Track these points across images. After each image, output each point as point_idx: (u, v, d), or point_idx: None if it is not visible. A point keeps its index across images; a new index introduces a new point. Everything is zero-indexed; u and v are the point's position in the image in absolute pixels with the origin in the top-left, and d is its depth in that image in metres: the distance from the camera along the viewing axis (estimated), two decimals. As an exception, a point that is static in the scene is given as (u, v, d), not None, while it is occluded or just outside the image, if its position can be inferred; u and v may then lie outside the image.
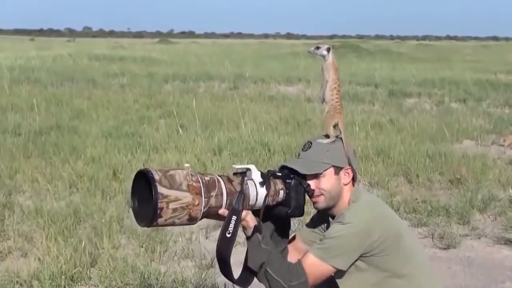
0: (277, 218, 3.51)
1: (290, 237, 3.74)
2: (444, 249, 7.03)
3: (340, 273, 3.40)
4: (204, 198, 3.10)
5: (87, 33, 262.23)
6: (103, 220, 7.24)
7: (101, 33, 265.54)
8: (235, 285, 3.43)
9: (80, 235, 6.81)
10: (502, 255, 6.93)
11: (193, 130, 13.15)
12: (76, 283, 5.75)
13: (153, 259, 6.43)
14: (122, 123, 14.07)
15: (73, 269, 5.85)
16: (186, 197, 3.05)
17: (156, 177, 3.02)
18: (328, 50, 3.53)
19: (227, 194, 3.20)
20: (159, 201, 2.98)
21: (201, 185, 3.11)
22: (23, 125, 13.25)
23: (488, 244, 7.22)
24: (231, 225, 3.20)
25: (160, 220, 3.02)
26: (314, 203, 3.53)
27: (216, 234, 6.60)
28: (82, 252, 6.20)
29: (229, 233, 3.20)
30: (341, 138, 3.48)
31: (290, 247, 3.69)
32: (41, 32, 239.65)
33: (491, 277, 6.32)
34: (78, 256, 6.10)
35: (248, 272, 3.38)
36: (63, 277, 5.68)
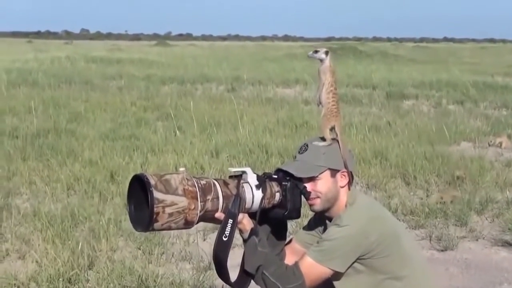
0: (273, 221, 3.50)
1: (287, 239, 3.75)
2: (442, 251, 7.02)
3: (338, 276, 3.40)
4: (200, 202, 3.10)
5: (85, 35, 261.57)
6: (100, 223, 7.22)
7: (98, 36, 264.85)
8: (232, 288, 3.42)
9: (78, 238, 6.80)
10: (500, 257, 6.93)
11: (191, 133, 13.14)
12: (74, 285, 5.74)
13: (151, 261, 6.42)
14: (119, 126, 14.07)
15: (71, 271, 5.85)
16: (182, 202, 3.04)
17: (152, 181, 3.01)
18: (326, 53, 3.54)
19: (223, 198, 3.20)
20: (155, 206, 2.98)
21: (197, 189, 3.10)
22: (21, 128, 13.23)
23: (486, 246, 7.22)
24: (228, 229, 3.20)
25: (156, 225, 3.02)
26: (310, 205, 3.52)
27: (214, 236, 6.60)
28: (79, 255, 6.19)
29: (225, 237, 3.20)
30: (337, 141, 3.48)
31: (287, 249, 3.69)
32: (38, 35, 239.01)
33: (488, 279, 6.32)
34: (75, 259, 6.09)
35: (245, 275, 3.37)
36: (60, 279, 5.68)
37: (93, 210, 7.77)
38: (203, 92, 22.62)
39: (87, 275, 5.95)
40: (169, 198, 3.01)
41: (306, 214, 6.00)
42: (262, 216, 3.39)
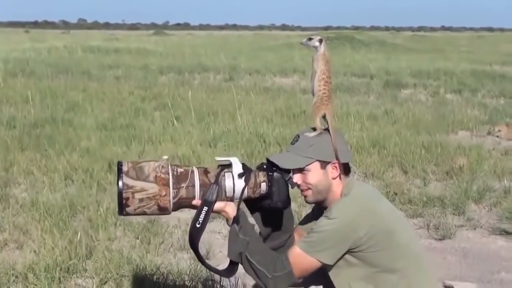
0: (263, 210, 3.54)
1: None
2: (440, 239, 7.03)
3: (329, 267, 3.40)
4: (173, 189, 3.21)
5: (82, 25, 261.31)
6: (98, 212, 7.23)
7: (95, 25, 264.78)
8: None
9: (76, 227, 6.79)
10: (497, 245, 6.94)
11: (189, 122, 13.14)
12: (72, 275, 5.73)
13: (149, 251, 6.41)
14: (117, 115, 14.06)
15: (69, 261, 5.83)
16: (152, 188, 3.18)
17: (124, 168, 3.19)
18: (320, 41, 3.51)
19: (200, 186, 3.28)
20: (123, 191, 3.15)
21: (170, 176, 3.21)
22: (18, 118, 13.24)
23: (484, 235, 7.22)
24: (202, 216, 3.30)
25: (129, 209, 3.20)
26: (304, 197, 3.55)
27: (212, 226, 6.62)
28: (77, 244, 6.18)
29: (199, 223, 3.31)
30: (328, 131, 3.45)
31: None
32: (35, 24, 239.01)
33: (486, 268, 6.32)
34: (73, 248, 6.08)
35: (233, 263, 3.45)
36: (58, 269, 5.66)
37: (91, 200, 7.77)
38: (201, 82, 22.61)
39: (85, 264, 5.94)
40: (139, 184, 3.17)
41: (306, 204, 6.02)
42: (252, 205, 3.49)
